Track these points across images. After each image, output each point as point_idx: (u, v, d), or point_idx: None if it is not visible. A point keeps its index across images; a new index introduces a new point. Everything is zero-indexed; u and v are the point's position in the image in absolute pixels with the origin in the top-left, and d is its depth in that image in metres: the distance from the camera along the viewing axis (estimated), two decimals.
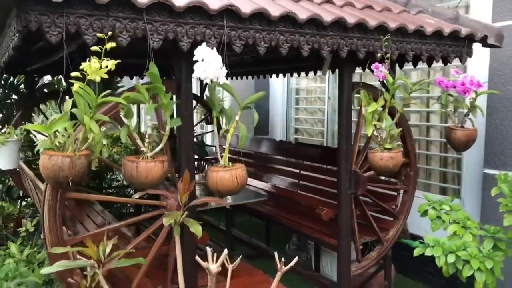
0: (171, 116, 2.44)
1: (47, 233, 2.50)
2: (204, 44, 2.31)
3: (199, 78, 2.30)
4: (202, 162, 7.30)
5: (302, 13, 2.70)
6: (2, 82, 5.95)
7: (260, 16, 2.58)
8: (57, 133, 2.10)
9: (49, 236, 2.51)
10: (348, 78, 3.47)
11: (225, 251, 1.83)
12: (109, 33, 2.08)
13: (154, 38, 2.31)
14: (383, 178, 4.26)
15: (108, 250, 1.81)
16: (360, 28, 2.98)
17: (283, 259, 2.14)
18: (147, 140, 2.32)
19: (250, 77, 6.55)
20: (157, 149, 2.33)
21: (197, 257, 1.86)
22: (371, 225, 3.82)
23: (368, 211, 3.81)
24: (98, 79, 1.89)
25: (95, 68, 1.86)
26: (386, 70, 3.04)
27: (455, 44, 3.51)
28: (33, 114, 6.02)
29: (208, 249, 1.84)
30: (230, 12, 2.47)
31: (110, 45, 1.94)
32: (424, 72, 5.10)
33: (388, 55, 2.98)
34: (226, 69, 2.42)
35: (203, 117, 7.37)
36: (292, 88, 7.39)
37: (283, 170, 5.54)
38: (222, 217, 6.07)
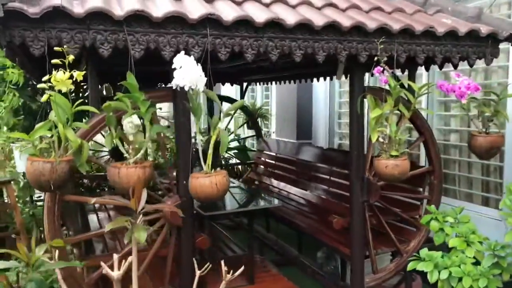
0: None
1: (46, 232, 2.69)
2: (182, 52, 2.36)
3: (178, 85, 2.35)
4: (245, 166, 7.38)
5: (291, 19, 2.67)
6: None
7: (246, 23, 2.59)
8: (42, 139, 2.25)
9: (48, 235, 2.69)
10: (359, 82, 3.36)
11: (115, 256, 1.82)
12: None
13: (136, 48, 2.41)
14: (406, 186, 4.06)
15: (41, 252, 1.91)
16: (359, 31, 2.88)
17: (225, 268, 2.13)
18: (131, 146, 2.42)
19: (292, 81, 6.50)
20: (138, 155, 2.41)
21: (101, 262, 1.88)
22: (388, 235, 3.66)
23: (384, 220, 3.66)
24: (64, 89, 2.01)
25: (60, 79, 1.98)
26: (389, 74, 2.91)
27: (476, 44, 3.28)
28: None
29: (115, 256, 1.87)
30: (212, 21, 2.51)
31: (71, 57, 2.05)
32: (466, 73, 4.78)
33: (379, 58, 2.85)
34: (207, 76, 2.45)
35: (244, 121, 7.47)
36: (335, 92, 7.24)
37: (314, 176, 5.44)
38: (264, 222, 6.11)
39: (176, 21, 2.44)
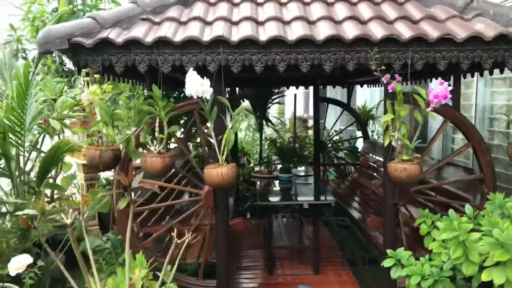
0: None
1: (114, 202, 3.61)
2: (191, 69, 2.99)
3: (191, 94, 2.98)
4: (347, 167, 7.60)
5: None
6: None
7: (280, 42, 3.06)
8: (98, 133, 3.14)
9: (115, 205, 3.61)
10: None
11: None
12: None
13: (165, 66, 3.12)
14: (459, 193, 3.95)
15: (50, 207, 2.72)
16: (367, 42, 3.10)
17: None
18: (155, 142, 3.16)
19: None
20: (160, 148, 3.13)
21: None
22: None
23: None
24: (96, 98, 2.84)
25: (93, 90, 2.81)
26: (398, 81, 3.06)
27: None
28: None
29: (70, 210, 2.47)
30: (248, 41, 3.06)
31: (97, 76, 2.87)
32: None
33: (375, 66, 3.01)
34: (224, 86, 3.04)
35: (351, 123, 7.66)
36: None
37: None
38: None
39: (194, 43, 3.08)
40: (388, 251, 2.65)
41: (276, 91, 7.81)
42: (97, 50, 3.08)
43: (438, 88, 2.85)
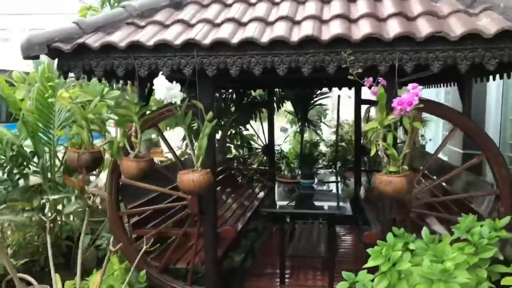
0: None
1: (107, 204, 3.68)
2: (160, 73, 2.94)
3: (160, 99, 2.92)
4: None
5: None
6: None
7: (254, 44, 2.93)
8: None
9: (108, 207, 3.68)
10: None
11: None
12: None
13: (141, 70, 3.10)
14: (475, 209, 3.50)
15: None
16: (348, 42, 2.83)
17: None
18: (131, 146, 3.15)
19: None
20: (135, 151, 3.11)
21: None
22: None
23: None
24: (66, 102, 2.89)
25: (65, 96, 2.86)
26: (383, 84, 2.77)
27: None
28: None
29: None
30: (221, 44, 2.96)
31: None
32: None
33: (352, 69, 2.73)
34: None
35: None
36: (509, 96, 6.24)
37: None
38: None
39: (192, 46, 2.99)
40: (344, 273, 2.40)
41: (318, 92, 7.53)
42: (78, 55, 3.14)
43: (406, 93, 2.52)
